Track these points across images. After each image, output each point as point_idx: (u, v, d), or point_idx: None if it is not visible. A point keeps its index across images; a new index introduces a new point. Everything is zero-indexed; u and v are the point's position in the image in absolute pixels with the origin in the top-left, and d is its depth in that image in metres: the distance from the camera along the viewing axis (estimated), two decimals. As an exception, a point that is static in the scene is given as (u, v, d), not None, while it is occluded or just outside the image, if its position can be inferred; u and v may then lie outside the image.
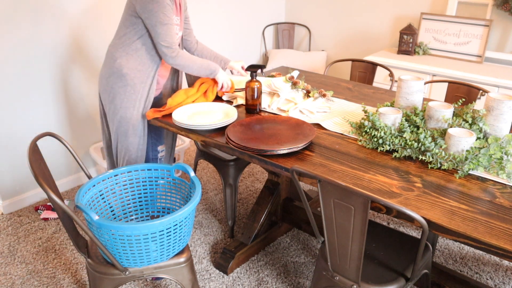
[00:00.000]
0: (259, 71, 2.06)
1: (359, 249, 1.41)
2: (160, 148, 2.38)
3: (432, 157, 1.61)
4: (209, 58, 2.33)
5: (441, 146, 1.62)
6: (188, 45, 2.33)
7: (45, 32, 2.60)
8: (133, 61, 2.02)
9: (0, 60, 2.46)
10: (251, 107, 2.07)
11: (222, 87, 2.17)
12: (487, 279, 2.23)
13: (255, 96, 2.04)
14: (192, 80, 2.67)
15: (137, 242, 1.50)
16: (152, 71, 2.06)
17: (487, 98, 1.67)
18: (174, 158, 2.76)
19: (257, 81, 2.01)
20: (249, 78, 2.08)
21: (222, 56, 2.34)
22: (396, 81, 3.08)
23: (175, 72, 2.30)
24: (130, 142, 2.11)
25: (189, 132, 1.91)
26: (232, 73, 2.45)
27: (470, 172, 1.56)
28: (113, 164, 2.28)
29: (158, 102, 2.26)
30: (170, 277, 1.65)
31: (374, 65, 2.80)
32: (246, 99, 2.06)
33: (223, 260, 2.26)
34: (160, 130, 2.35)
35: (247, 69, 2.04)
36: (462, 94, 2.43)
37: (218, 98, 2.26)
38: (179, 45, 2.18)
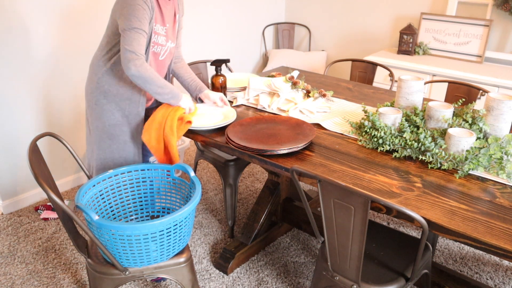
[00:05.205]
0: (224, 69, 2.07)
1: (359, 249, 1.41)
2: (152, 159, 2.29)
3: (432, 157, 1.61)
4: (186, 80, 2.13)
5: (441, 146, 1.62)
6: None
7: (45, 31, 2.60)
8: (113, 76, 1.87)
9: (0, 60, 2.47)
10: None
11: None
12: (487, 279, 2.23)
13: (220, 90, 2.16)
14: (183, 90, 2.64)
15: (137, 242, 1.50)
16: (136, 86, 1.90)
17: (487, 98, 1.67)
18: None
19: (222, 75, 2.17)
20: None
21: (200, 82, 2.13)
22: (396, 81, 3.08)
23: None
24: (127, 152, 2.00)
25: (189, 132, 1.91)
26: (202, 101, 2.12)
27: (470, 172, 1.56)
28: None
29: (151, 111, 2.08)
30: (170, 277, 1.65)
31: (374, 65, 2.80)
32: None
33: (223, 260, 2.26)
34: None
35: (212, 64, 2.12)
36: (462, 94, 2.43)
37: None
38: (171, 62, 2.03)
